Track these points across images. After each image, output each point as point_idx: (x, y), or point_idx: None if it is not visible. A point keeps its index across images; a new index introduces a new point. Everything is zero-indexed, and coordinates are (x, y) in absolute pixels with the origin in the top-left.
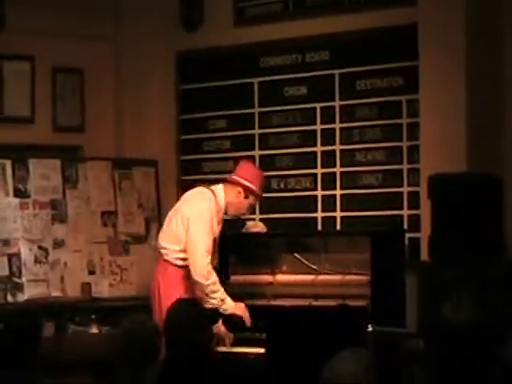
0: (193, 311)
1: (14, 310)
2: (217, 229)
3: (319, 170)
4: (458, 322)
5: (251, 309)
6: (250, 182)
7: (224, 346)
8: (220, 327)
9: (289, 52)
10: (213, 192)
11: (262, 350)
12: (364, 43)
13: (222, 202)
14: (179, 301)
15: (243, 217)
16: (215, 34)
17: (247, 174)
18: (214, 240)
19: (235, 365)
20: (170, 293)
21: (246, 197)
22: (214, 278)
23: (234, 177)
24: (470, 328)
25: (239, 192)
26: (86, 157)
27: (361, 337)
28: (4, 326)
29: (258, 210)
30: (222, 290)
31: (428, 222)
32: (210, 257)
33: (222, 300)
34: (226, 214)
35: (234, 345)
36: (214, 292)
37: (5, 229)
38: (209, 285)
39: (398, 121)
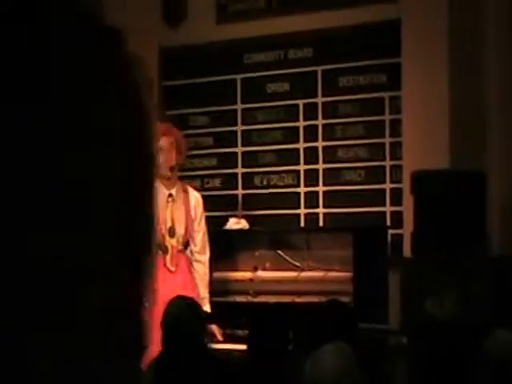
0: (191, 309)
1: None
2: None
3: (302, 167)
4: (441, 317)
5: (233, 305)
6: None
7: (216, 342)
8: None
9: (272, 49)
10: None
11: (243, 347)
12: (347, 40)
13: None
14: (178, 298)
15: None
16: (198, 31)
17: None
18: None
19: (217, 362)
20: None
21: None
22: None
23: None
24: (454, 323)
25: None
26: None
27: (348, 333)
28: None
29: (240, 207)
30: None
31: (410, 218)
32: None
33: None
34: (168, 178)
35: (217, 342)
36: None
37: None
38: None
39: (381, 117)
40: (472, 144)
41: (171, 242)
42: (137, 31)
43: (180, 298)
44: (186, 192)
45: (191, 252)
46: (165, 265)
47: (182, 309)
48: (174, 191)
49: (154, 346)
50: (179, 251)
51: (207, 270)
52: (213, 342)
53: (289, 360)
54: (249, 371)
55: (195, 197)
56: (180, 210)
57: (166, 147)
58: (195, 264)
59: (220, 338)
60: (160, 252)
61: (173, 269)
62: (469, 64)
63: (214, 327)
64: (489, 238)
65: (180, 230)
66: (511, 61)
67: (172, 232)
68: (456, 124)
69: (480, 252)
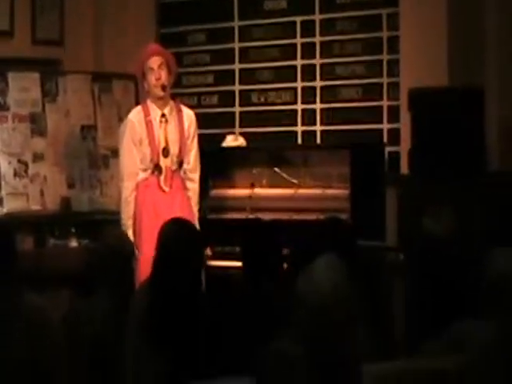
0: (190, 232)
1: None
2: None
3: (299, 84)
4: (438, 234)
5: (230, 222)
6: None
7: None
8: None
9: None
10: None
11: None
12: None
13: (133, 115)
14: (173, 220)
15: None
16: None
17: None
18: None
19: (217, 278)
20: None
21: (144, 77)
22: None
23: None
24: (451, 240)
25: (142, 82)
26: (65, 70)
27: (346, 249)
28: None
29: (237, 124)
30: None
31: (408, 135)
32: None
33: None
34: (160, 98)
35: (214, 259)
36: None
37: None
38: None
39: (378, 34)
40: (470, 61)
41: (165, 163)
42: None
43: (175, 221)
44: (179, 111)
45: (184, 171)
46: (159, 186)
47: (178, 232)
48: (167, 111)
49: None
50: (173, 171)
51: (197, 188)
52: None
53: (285, 277)
54: (244, 288)
55: (189, 115)
56: (174, 130)
57: (156, 67)
58: (188, 182)
59: (209, 253)
60: (155, 172)
61: (167, 189)
62: None
63: None
64: (487, 154)
65: (174, 149)
66: None
67: (166, 152)
68: (454, 40)
69: (478, 168)
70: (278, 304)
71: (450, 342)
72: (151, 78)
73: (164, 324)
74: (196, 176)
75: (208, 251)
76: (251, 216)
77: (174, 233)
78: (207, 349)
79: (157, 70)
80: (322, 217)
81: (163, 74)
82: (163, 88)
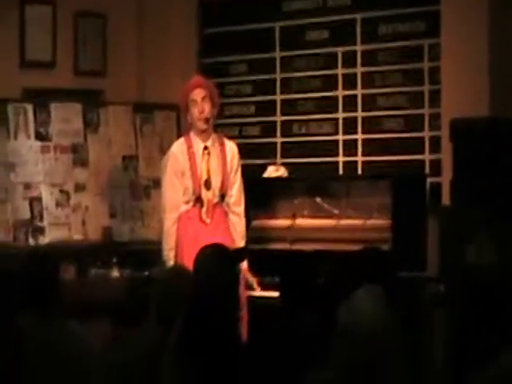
0: (218, 252)
1: (30, 251)
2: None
3: (340, 115)
4: (479, 265)
5: (271, 253)
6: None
7: (253, 290)
8: (246, 272)
9: None
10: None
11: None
12: None
13: (176, 147)
14: (206, 245)
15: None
16: None
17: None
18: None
19: (257, 308)
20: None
21: (187, 109)
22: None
23: None
24: (493, 271)
25: (185, 114)
26: (107, 101)
27: (384, 279)
28: (21, 267)
29: (279, 155)
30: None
31: (449, 166)
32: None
33: None
34: (203, 131)
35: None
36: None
37: (26, 172)
38: None
39: (420, 65)
40: None
41: (207, 195)
42: None
43: (207, 245)
44: (221, 144)
45: (227, 204)
46: (200, 218)
47: (211, 255)
48: (209, 143)
49: None
50: (215, 204)
51: (243, 222)
52: (251, 290)
53: (323, 308)
54: (282, 318)
55: (231, 148)
56: (216, 163)
57: (199, 100)
58: (231, 216)
59: (257, 287)
60: (197, 205)
61: (208, 221)
62: (509, 10)
63: (249, 275)
64: None
65: (216, 182)
66: None
67: (208, 185)
68: (496, 71)
69: None
70: (316, 334)
71: (497, 375)
72: (194, 111)
73: (199, 349)
74: (240, 209)
75: (255, 285)
76: (292, 247)
77: (204, 254)
78: (244, 378)
79: (200, 102)
80: (362, 247)
81: (206, 107)
82: (206, 121)
